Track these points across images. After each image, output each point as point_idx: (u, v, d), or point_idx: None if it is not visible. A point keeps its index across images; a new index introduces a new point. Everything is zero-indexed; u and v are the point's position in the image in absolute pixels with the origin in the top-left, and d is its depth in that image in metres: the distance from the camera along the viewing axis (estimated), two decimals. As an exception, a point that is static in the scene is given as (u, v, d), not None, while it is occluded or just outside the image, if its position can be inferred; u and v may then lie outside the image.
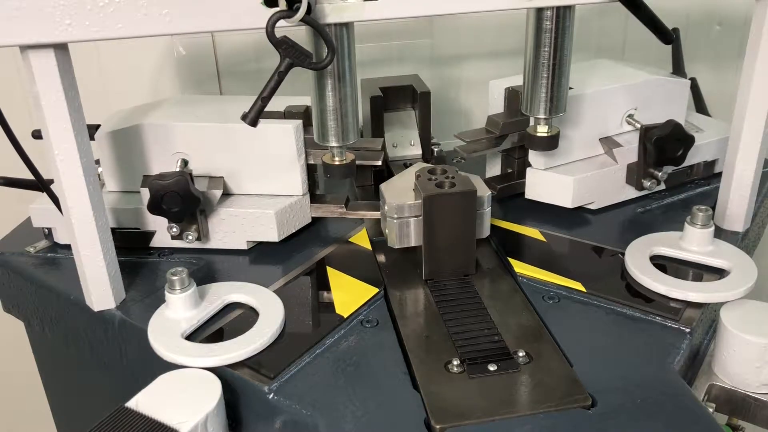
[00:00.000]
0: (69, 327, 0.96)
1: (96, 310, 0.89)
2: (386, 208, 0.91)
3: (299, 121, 0.98)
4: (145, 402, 0.72)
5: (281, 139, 0.97)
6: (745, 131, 0.97)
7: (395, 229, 0.91)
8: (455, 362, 0.78)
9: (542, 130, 0.97)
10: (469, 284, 0.92)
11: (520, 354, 0.79)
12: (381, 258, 0.99)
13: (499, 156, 1.14)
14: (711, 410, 0.81)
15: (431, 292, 0.91)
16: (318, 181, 1.07)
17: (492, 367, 0.77)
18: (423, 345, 0.82)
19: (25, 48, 0.75)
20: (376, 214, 1.02)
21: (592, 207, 1.08)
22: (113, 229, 0.90)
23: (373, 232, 1.05)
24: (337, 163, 0.93)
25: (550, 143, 0.99)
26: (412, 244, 0.92)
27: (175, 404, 0.72)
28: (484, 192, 0.92)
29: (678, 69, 1.22)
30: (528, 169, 1.08)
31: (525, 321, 0.85)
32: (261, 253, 1.00)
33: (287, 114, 1.01)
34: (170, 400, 0.72)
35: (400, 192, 0.92)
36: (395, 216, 0.90)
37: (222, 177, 1.00)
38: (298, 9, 0.74)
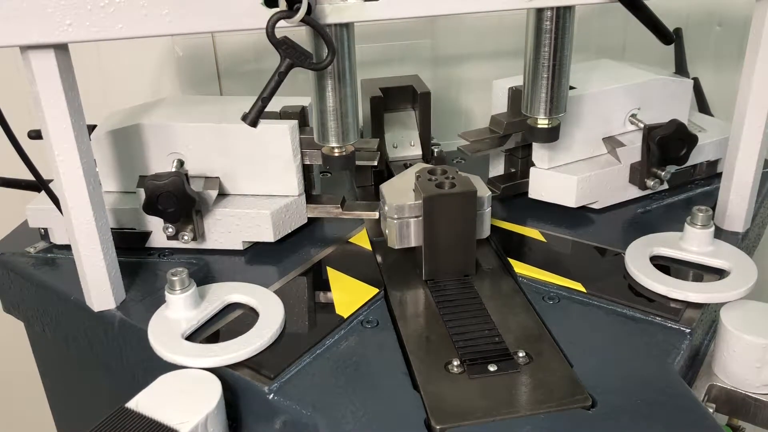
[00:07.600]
0: (69, 327, 0.96)
1: (96, 310, 0.89)
2: (386, 208, 0.91)
3: (295, 122, 0.98)
4: (145, 402, 0.72)
5: (277, 139, 0.97)
6: (745, 131, 0.97)
7: (395, 229, 0.91)
8: (455, 362, 0.78)
9: (543, 122, 0.98)
10: (469, 285, 0.92)
11: (520, 354, 0.79)
12: (381, 258, 0.99)
13: (502, 156, 1.14)
14: (711, 410, 0.81)
15: (431, 293, 0.91)
16: (314, 182, 1.06)
17: (492, 368, 0.77)
18: (423, 345, 0.82)
19: (25, 48, 0.75)
20: (372, 214, 1.02)
21: (595, 206, 1.08)
22: (111, 230, 0.90)
23: (373, 233, 1.05)
24: (336, 154, 0.92)
25: (551, 135, 0.99)
26: (412, 244, 0.92)
27: (175, 405, 0.72)
28: (484, 192, 0.93)
29: (681, 69, 1.22)
30: (531, 169, 1.08)
31: (525, 322, 0.85)
32: (258, 254, 1.00)
33: (283, 114, 1.00)
34: (170, 400, 0.72)
35: (400, 192, 0.92)
36: (395, 216, 0.90)
37: (218, 177, 1.00)
38: (298, 9, 0.74)
